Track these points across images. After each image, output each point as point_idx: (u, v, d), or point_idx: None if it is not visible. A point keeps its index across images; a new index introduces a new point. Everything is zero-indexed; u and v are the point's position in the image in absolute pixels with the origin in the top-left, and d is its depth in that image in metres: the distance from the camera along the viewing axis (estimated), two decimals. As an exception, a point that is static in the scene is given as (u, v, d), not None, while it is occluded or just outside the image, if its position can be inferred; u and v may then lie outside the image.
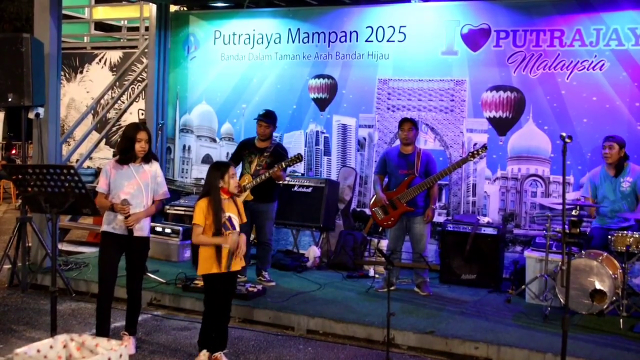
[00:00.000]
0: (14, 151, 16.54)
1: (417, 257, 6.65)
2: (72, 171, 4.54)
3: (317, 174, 8.68)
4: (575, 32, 7.31)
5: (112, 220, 5.11)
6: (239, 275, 6.94)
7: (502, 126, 7.68)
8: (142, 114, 9.93)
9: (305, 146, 8.76)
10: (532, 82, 7.52)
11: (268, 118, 6.89)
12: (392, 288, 5.20)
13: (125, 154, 5.13)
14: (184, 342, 5.51)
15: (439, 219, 7.74)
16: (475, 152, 6.56)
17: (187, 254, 8.00)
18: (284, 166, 6.63)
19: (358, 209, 8.42)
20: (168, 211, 8.45)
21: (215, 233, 4.80)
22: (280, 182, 6.94)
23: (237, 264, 4.92)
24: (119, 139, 5.73)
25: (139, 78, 10.73)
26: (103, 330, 5.14)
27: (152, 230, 8.03)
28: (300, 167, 8.72)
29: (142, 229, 5.16)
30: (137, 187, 5.11)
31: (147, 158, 5.18)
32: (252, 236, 7.27)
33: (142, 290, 5.50)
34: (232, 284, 5.07)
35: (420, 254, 6.59)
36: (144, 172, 5.16)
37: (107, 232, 5.16)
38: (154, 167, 5.22)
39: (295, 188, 8.19)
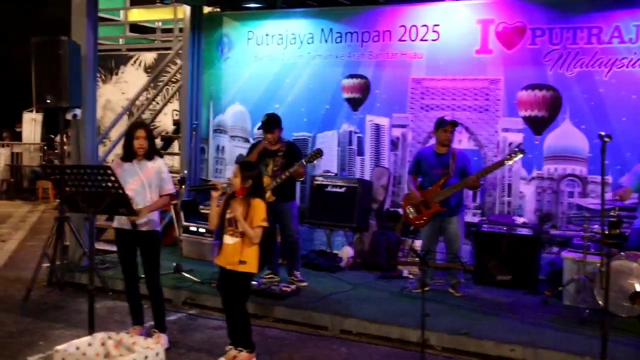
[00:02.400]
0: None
1: (452, 257, 6.62)
2: (108, 171, 4.59)
3: (350, 174, 8.65)
4: (613, 29, 7.18)
5: (119, 216, 5.19)
6: (273, 275, 7.04)
7: (537, 125, 7.59)
8: (177, 114, 10.01)
9: (339, 146, 8.74)
10: (568, 81, 7.40)
11: (270, 128, 6.77)
12: (426, 289, 5.17)
13: (126, 152, 5.24)
14: (219, 341, 5.53)
15: (473, 219, 7.68)
16: (512, 154, 6.48)
17: (221, 253, 8.04)
18: (305, 163, 6.61)
19: (391, 209, 8.37)
20: (202, 211, 8.50)
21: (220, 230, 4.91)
22: (301, 179, 6.92)
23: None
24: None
25: (173, 79, 10.82)
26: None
27: (186, 229, 8.17)
28: (333, 167, 8.71)
29: (148, 223, 5.21)
30: (140, 184, 5.19)
31: (149, 155, 5.23)
32: (278, 238, 7.27)
33: (178, 289, 5.55)
34: None
35: (454, 254, 6.57)
36: (147, 168, 5.22)
37: (116, 228, 5.31)
38: (158, 163, 5.27)
39: (329, 188, 8.18)
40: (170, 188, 5.33)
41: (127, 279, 5.34)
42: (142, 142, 5.15)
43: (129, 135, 5.22)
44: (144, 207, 5.12)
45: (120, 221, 5.23)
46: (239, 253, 4.84)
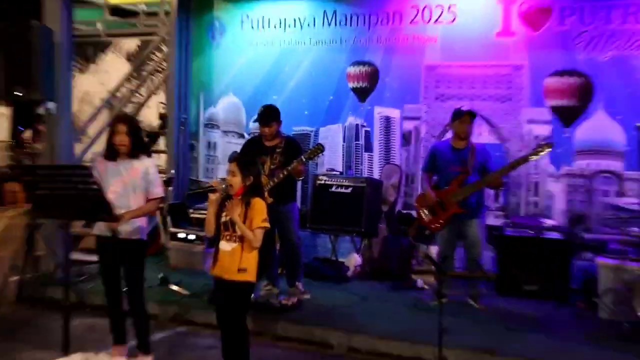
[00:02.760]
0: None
1: (472, 265, 6.57)
2: (86, 172, 4.52)
3: (357, 172, 8.64)
4: (652, 7, 7.14)
5: (100, 223, 5.09)
6: (271, 287, 6.96)
7: (567, 116, 7.55)
8: (163, 107, 9.94)
9: (344, 141, 8.73)
10: (601, 66, 7.37)
11: (267, 121, 6.70)
12: (443, 300, 5.07)
13: (107, 149, 5.12)
14: (211, 362, 5.46)
15: (496, 222, 7.66)
16: (538, 149, 6.39)
17: (214, 262, 7.99)
18: (304, 160, 6.52)
19: (404, 212, 8.34)
20: (192, 215, 8.43)
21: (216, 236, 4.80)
22: (301, 178, 6.87)
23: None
24: None
25: (158, 68, 10.73)
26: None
27: (174, 236, 8.10)
28: (338, 165, 8.66)
29: (131, 230, 5.09)
30: (123, 186, 5.06)
31: (134, 153, 5.12)
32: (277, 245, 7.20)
33: (165, 303, 5.48)
34: None
35: (475, 261, 6.52)
36: (132, 169, 5.09)
37: (96, 235, 5.19)
38: (145, 163, 5.15)
39: (333, 188, 8.13)
40: (158, 192, 5.22)
41: (108, 292, 5.24)
42: (122, 138, 5.04)
43: (109, 130, 5.12)
44: (126, 212, 5.02)
45: (100, 228, 5.13)
46: (238, 260, 4.74)
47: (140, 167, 5.11)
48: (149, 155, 5.28)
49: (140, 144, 5.18)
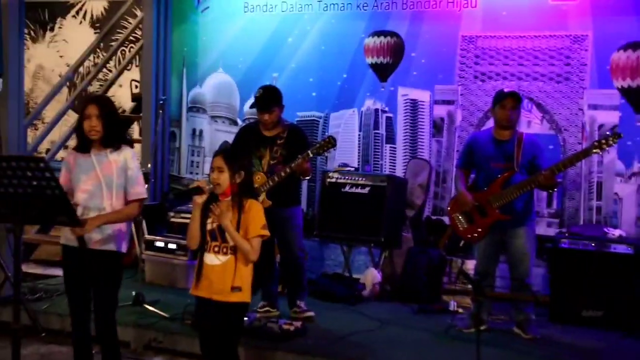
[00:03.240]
0: None
1: (518, 284, 6.55)
2: (41, 165, 4.50)
3: (376, 169, 8.66)
4: None
5: (68, 228, 5.05)
6: (269, 308, 6.98)
7: (640, 100, 7.55)
8: (136, 86, 9.97)
9: (360, 130, 8.75)
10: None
11: (266, 105, 6.69)
12: (482, 328, 5.09)
13: (78, 138, 5.13)
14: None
15: (549, 231, 7.64)
16: (602, 141, 6.38)
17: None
18: (311, 155, 6.53)
19: (433, 217, 8.37)
20: (173, 220, 8.45)
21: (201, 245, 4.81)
22: (307, 177, 6.88)
23: None
24: None
25: (131, 37, 10.78)
26: None
27: (151, 245, 8.12)
28: (353, 160, 8.66)
29: (103, 240, 5.06)
30: (96, 183, 5.03)
31: (110, 142, 5.13)
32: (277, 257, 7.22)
33: (139, 327, 5.49)
34: None
35: (521, 280, 6.50)
36: (107, 162, 5.06)
37: (64, 245, 5.17)
38: (124, 155, 5.13)
39: (347, 188, 8.13)
40: (139, 191, 5.17)
41: (74, 314, 5.22)
42: (93, 122, 5.03)
43: (80, 115, 5.13)
44: (95, 217, 5.02)
45: (67, 236, 5.13)
46: (231, 276, 4.75)
47: (117, 159, 5.09)
48: (131, 146, 5.27)
49: (116, 130, 5.17)
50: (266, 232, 4.79)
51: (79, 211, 4.94)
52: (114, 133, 5.11)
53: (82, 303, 5.19)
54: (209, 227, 4.80)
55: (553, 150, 7.54)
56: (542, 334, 6.66)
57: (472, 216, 6.64)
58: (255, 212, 4.78)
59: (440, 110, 8.38)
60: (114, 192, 5.06)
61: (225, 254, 4.75)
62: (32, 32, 12.66)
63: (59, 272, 8.76)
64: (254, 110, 8.51)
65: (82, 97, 5.04)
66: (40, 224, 8.76)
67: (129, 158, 5.14)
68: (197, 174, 9.47)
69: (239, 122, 9.22)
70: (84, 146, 5.10)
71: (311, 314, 6.88)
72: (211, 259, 4.78)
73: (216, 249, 4.77)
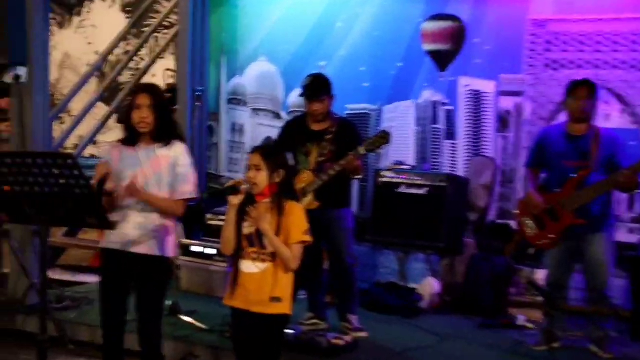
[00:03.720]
0: None
1: (595, 297, 6.50)
2: (69, 162, 4.53)
3: (435, 167, 8.65)
4: None
5: (110, 231, 5.09)
6: (317, 321, 6.96)
7: None
8: (171, 76, 10.01)
9: (417, 125, 8.77)
10: None
11: (317, 94, 6.71)
12: (554, 345, 5.01)
13: (125, 130, 5.16)
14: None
15: (630, 238, 7.58)
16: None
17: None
18: (363, 152, 6.50)
19: (499, 221, 8.35)
20: (210, 222, 8.46)
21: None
22: (358, 176, 6.85)
23: None
24: None
25: (165, 23, 10.84)
26: None
27: (187, 250, 8.14)
28: (409, 157, 8.62)
29: (146, 243, 5.11)
30: (143, 180, 5.09)
31: (162, 136, 5.15)
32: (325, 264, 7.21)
33: (174, 340, 5.52)
34: None
35: (599, 292, 6.44)
36: (155, 158, 5.11)
37: (104, 249, 5.21)
38: (175, 150, 5.17)
39: (402, 189, 8.14)
40: (189, 190, 5.20)
41: (107, 324, 5.26)
42: (144, 113, 5.06)
43: (128, 104, 5.19)
44: (144, 192, 5.03)
45: (109, 238, 5.16)
46: (270, 286, 4.74)
47: (167, 155, 5.13)
48: (183, 141, 5.29)
49: (168, 123, 5.20)
50: (308, 238, 4.76)
51: (121, 212, 5.03)
52: (166, 126, 5.15)
53: (117, 313, 5.22)
54: (245, 231, 4.77)
55: (635, 147, 7.44)
56: (623, 353, 6.58)
57: (543, 220, 6.58)
58: (297, 215, 4.75)
59: (507, 103, 8.37)
60: (161, 191, 5.12)
61: (264, 261, 4.73)
62: (58, 17, 12.79)
63: (87, 278, 8.88)
64: (299, 102, 8.52)
65: (135, 85, 5.07)
66: (68, 226, 8.84)
67: (181, 154, 5.18)
68: (237, 172, 9.49)
69: (283, 115, 9.25)
70: (131, 139, 5.14)
71: (364, 334, 6.84)
72: (248, 267, 4.76)
73: (254, 255, 4.75)
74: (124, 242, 5.04)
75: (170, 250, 5.21)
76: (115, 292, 5.17)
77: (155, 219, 5.09)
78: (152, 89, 5.25)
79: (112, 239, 5.08)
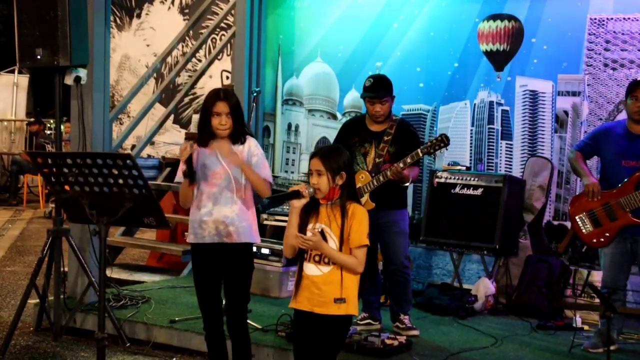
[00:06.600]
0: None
1: (653, 299, 6.38)
2: (129, 162, 4.60)
3: (490, 167, 8.61)
4: None
5: (198, 226, 5.26)
6: (371, 321, 6.96)
7: None
8: (228, 77, 10.08)
9: (473, 125, 8.71)
10: None
11: (379, 94, 6.70)
12: (612, 348, 4.95)
13: (202, 133, 5.30)
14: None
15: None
16: None
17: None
18: (421, 154, 6.48)
19: (555, 223, 8.27)
20: (265, 222, 8.49)
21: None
22: (407, 184, 6.79)
23: None
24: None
25: (222, 24, 10.90)
26: None
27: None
28: (465, 158, 8.58)
29: (238, 233, 5.28)
30: (225, 177, 5.25)
31: (236, 136, 5.28)
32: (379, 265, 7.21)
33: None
34: None
35: (657, 294, 6.33)
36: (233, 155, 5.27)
37: (194, 244, 5.39)
38: (248, 144, 5.36)
39: (457, 189, 8.10)
40: (266, 173, 5.41)
41: (206, 315, 5.49)
42: (224, 120, 5.24)
43: (205, 109, 5.31)
44: (236, 157, 5.23)
45: (196, 232, 5.31)
46: (337, 287, 4.74)
47: (242, 150, 5.33)
48: (252, 135, 5.51)
49: (242, 123, 5.39)
50: (367, 242, 4.76)
51: (207, 208, 5.22)
52: (241, 127, 5.34)
53: (212, 300, 5.46)
54: (309, 234, 4.78)
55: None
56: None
57: (598, 218, 6.49)
58: (360, 218, 4.73)
59: (564, 103, 8.29)
60: (243, 184, 5.31)
61: (328, 263, 4.72)
62: (117, 19, 12.95)
63: (144, 277, 8.96)
64: (355, 103, 8.54)
65: (212, 91, 5.12)
66: (127, 226, 8.93)
67: (253, 146, 5.37)
68: (292, 172, 9.52)
69: (339, 116, 9.24)
70: (205, 140, 5.31)
71: (416, 332, 6.83)
72: (312, 270, 4.76)
73: (317, 258, 4.74)
74: (214, 234, 5.24)
75: (257, 237, 5.45)
76: (209, 282, 5.41)
77: (240, 208, 5.29)
78: (229, 96, 5.38)
79: (201, 233, 5.28)
